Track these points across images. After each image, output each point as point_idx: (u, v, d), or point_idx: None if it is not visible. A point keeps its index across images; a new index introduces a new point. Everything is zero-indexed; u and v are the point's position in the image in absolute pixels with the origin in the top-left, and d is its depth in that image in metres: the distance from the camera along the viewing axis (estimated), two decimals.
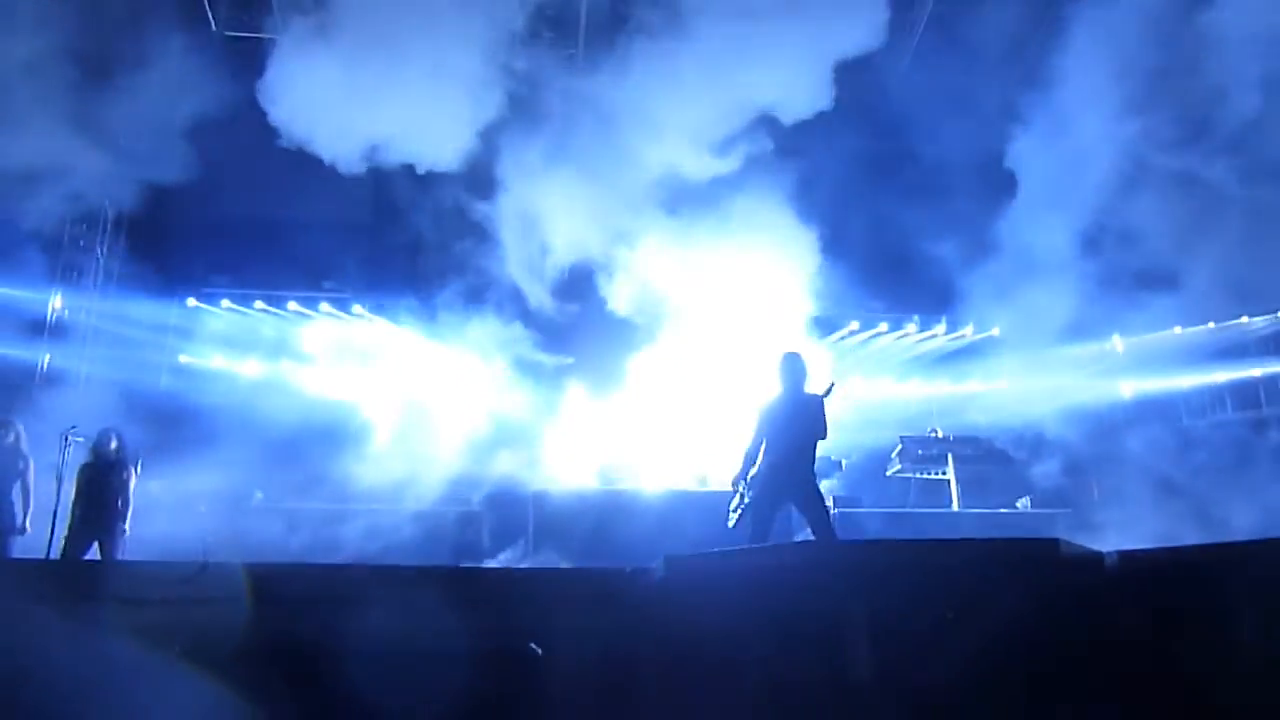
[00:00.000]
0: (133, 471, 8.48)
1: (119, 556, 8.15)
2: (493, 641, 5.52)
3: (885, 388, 14.59)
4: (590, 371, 12.56)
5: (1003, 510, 11.00)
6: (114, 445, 8.43)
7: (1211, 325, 12.36)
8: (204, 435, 10.40)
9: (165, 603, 5.23)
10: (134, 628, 4.80)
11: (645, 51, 11.02)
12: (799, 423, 7.17)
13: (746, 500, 7.25)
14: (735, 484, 7.46)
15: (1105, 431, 12.17)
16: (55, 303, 12.24)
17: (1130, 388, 12.97)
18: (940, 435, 12.18)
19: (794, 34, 10.39)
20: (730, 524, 7.36)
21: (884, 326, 14.70)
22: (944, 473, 11.75)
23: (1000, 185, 11.92)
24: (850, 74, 10.96)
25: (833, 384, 7.35)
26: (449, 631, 5.67)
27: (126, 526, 8.31)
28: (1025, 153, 11.33)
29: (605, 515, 9.84)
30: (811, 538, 6.55)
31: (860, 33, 10.70)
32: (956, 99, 11.71)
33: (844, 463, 10.46)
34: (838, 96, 10.95)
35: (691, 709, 5.60)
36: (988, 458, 11.85)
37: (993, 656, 5.62)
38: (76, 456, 8.43)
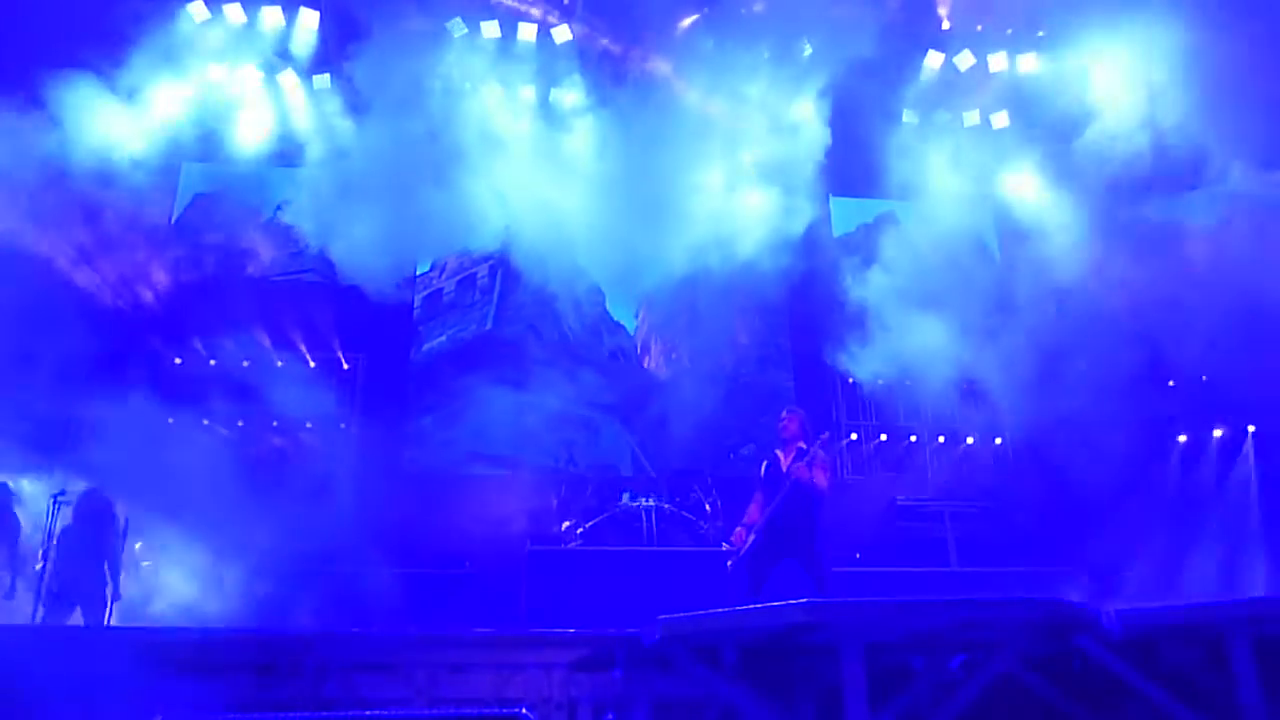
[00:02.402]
0: (119, 533, 8.38)
1: (105, 621, 8.03)
2: (484, 708, 5.44)
3: None
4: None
5: (1000, 569, 10.94)
6: (98, 506, 8.34)
7: None
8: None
9: None
10: None
11: None
12: (794, 481, 7.18)
13: (744, 552, 7.25)
14: (735, 541, 7.43)
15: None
16: None
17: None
18: (936, 493, 12.15)
19: None
20: (729, 566, 7.39)
21: None
22: (942, 531, 11.69)
23: None
24: None
25: (824, 435, 7.40)
26: (441, 698, 5.59)
27: (118, 590, 8.19)
28: None
29: (600, 575, 9.76)
30: (808, 598, 6.48)
31: None
32: None
33: None
34: None
35: None
36: (985, 516, 11.81)
37: (992, 718, 5.53)
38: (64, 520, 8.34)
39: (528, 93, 12.52)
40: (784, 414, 7.73)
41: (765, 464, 7.67)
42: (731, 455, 12.22)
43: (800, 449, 7.40)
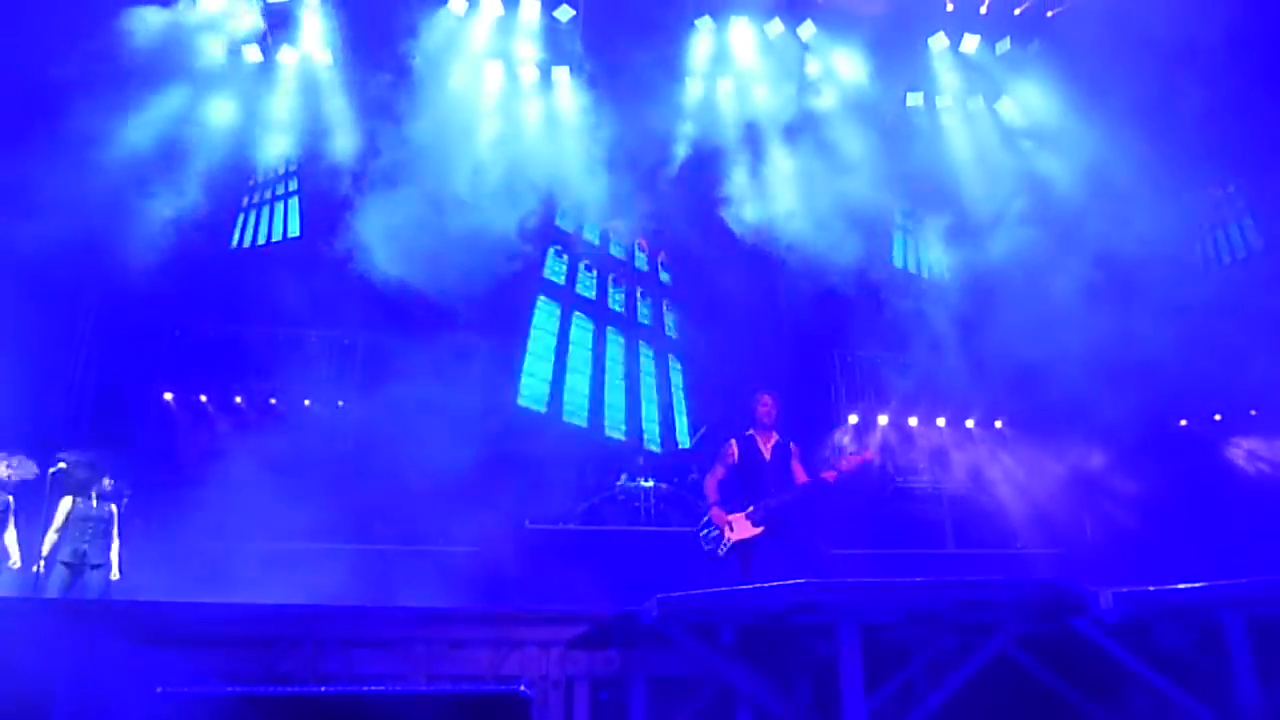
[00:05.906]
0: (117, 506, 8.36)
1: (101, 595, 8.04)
2: (482, 684, 5.47)
3: None
4: None
5: (997, 551, 10.97)
6: (103, 479, 8.32)
7: None
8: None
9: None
10: None
11: None
12: (779, 463, 7.14)
13: (718, 534, 7.15)
14: (717, 521, 7.31)
15: None
16: None
17: None
18: (931, 477, 12.18)
19: None
20: (715, 551, 7.22)
21: None
22: (939, 513, 11.72)
23: None
24: None
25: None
26: (440, 675, 5.63)
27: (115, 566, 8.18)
28: None
29: (599, 554, 9.80)
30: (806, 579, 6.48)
31: None
32: None
33: None
34: None
35: None
36: (983, 498, 11.85)
37: (987, 698, 5.57)
38: (60, 490, 8.32)
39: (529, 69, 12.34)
40: (765, 396, 7.44)
41: (736, 443, 7.41)
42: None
43: (780, 442, 7.37)
